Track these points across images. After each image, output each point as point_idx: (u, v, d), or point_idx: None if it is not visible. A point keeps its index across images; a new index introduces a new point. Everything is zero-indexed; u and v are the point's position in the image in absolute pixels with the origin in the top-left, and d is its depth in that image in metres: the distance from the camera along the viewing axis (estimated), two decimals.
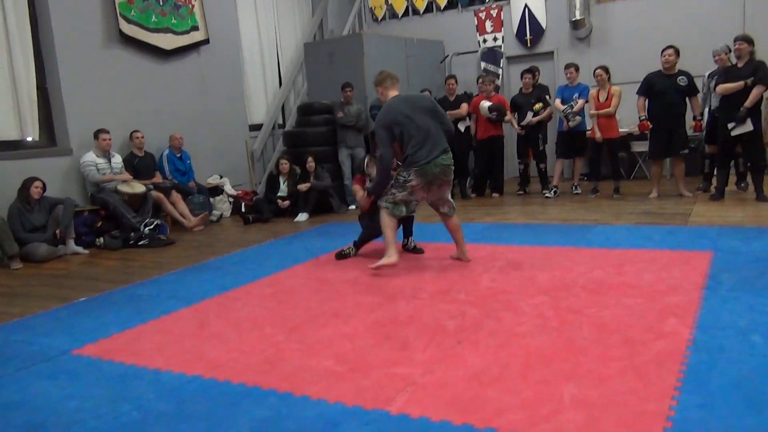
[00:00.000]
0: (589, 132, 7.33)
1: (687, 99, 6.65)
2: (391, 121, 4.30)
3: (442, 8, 10.25)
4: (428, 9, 10.34)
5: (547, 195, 7.57)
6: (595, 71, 7.13)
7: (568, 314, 3.22)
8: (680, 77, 6.54)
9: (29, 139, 6.53)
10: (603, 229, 5.43)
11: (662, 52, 6.63)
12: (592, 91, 7.20)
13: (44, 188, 6.01)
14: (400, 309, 3.53)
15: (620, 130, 7.44)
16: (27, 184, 5.89)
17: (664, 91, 6.54)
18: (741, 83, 5.98)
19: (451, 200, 4.54)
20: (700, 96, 6.79)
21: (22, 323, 3.82)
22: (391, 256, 4.32)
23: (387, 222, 4.39)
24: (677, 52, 6.55)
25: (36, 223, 5.93)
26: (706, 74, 7.02)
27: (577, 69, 7.54)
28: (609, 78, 7.08)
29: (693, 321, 2.98)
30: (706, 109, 6.95)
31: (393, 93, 4.48)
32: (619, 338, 2.83)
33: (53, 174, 6.51)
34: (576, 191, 7.59)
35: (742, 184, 6.82)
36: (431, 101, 4.56)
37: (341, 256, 4.98)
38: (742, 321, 2.94)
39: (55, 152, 6.72)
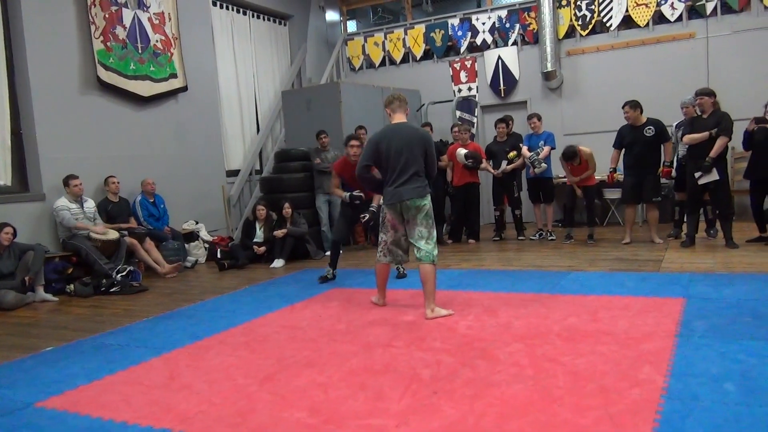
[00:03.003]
0: (566, 180, 7.48)
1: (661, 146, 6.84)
2: (376, 145, 4.41)
3: (418, 59, 10.50)
4: (405, 59, 10.60)
5: (531, 238, 7.76)
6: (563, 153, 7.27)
7: (543, 362, 3.21)
8: (647, 128, 6.74)
9: (1, 183, 6.44)
10: (577, 275, 5.48)
11: (622, 108, 6.88)
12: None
13: (15, 234, 5.90)
14: (375, 357, 3.49)
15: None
16: None
17: (634, 141, 6.79)
18: (706, 134, 6.17)
19: (428, 247, 4.29)
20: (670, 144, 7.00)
21: None
22: (380, 299, 4.74)
23: (379, 270, 4.64)
24: (634, 107, 6.77)
25: (4, 269, 5.79)
26: (674, 124, 7.24)
27: (539, 118, 7.81)
28: (578, 148, 7.21)
29: (667, 368, 2.99)
30: (675, 157, 7.14)
31: (398, 117, 4.50)
32: (594, 387, 2.82)
33: (25, 219, 6.40)
34: (551, 237, 7.68)
35: (712, 231, 6.96)
36: (425, 139, 4.42)
37: (324, 280, 5.67)
38: (714, 368, 2.96)
39: (28, 197, 6.63)
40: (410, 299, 4.90)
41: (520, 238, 7.89)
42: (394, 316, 4.43)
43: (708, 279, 4.95)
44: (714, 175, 6.18)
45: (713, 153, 6.13)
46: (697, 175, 6.26)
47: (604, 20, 9.11)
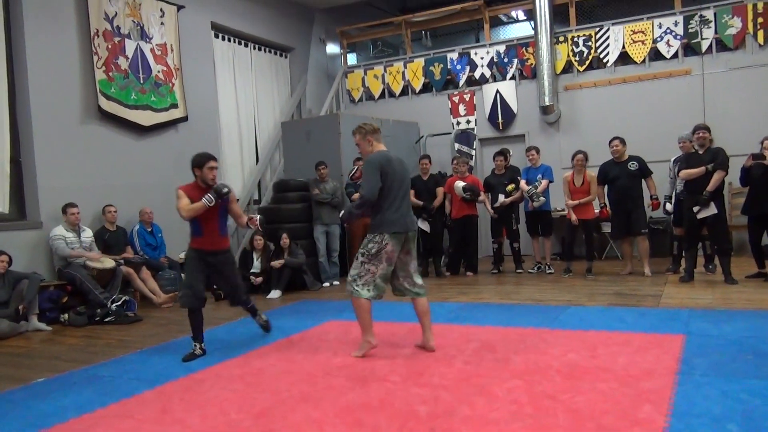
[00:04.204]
0: (566, 213, 7.49)
1: (644, 180, 7.06)
2: (384, 165, 4.10)
3: (417, 91, 10.61)
4: (404, 92, 10.70)
5: (530, 271, 7.75)
6: (575, 156, 7.33)
7: (542, 400, 3.16)
8: (631, 162, 7.01)
9: None
10: (576, 310, 5.44)
11: (610, 143, 7.13)
12: (567, 175, 7.40)
13: (10, 262, 5.86)
14: (371, 393, 3.44)
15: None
16: None
17: (618, 176, 7.03)
18: (702, 169, 6.21)
19: (421, 279, 4.34)
20: (667, 180, 7.08)
21: None
22: (370, 341, 4.21)
23: (364, 307, 4.12)
24: (623, 142, 7.11)
25: None
26: (672, 159, 7.28)
27: (537, 151, 7.93)
28: (586, 163, 7.31)
29: (668, 408, 2.94)
30: (673, 192, 7.17)
31: (381, 146, 4.30)
32: (593, 426, 2.77)
33: (21, 247, 6.37)
34: (549, 271, 7.65)
35: (710, 266, 6.95)
36: (409, 172, 4.44)
37: (191, 357, 4.42)
38: (716, 408, 2.91)
39: (24, 225, 6.61)
40: (407, 333, 4.85)
41: (518, 271, 7.86)
42: (391, 350, 4.38)
43: (708, 315, 4.91)
44: (712, 209, 6.19)
45: (710, 187, 6.16)
46: (695, 209, 6.27)
47: (601, 56, 9.23)
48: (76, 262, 6.45)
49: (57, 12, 6.96)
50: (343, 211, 4.52)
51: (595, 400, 3.12)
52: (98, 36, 7.29)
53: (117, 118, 7.52)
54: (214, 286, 7.33)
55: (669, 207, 7.23)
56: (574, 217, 7.23)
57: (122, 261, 6.88)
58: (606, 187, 7.22)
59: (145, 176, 7.88)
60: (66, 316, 6.14)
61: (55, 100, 6.87)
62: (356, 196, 7.86)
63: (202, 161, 4.58)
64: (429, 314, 4.32)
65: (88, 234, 6.76)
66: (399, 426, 2.90)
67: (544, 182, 7.59)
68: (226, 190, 4.49)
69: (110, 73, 7.41)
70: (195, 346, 4.52)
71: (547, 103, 9.25)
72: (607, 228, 8.49)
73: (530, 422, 2.86)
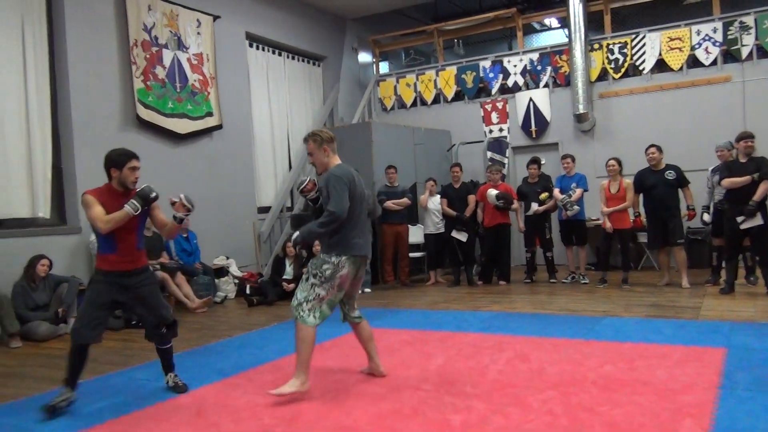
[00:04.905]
0: (601, 222, 7.38)
1: (680, 190, 6.91)
2: (351, 182, 3.69)
3: (449, 100, 10.58)
4: (436, 100, 10.68)
5: (564, 281, 7.67)
6: (607, 162, 7.24)
7: (578, 411, 3.10)
8: (668, 171, 6.86)
9: (40, 215, 6.60)
10: (612, 321, 5.34)
11: (646, 150, 7.00)
12: (603, 182, 7.29)
13: (51, 266, 6.01)
14: (404, 400, 3.42)
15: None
16: (33, 261, 5.90)
17: (655, 185, 6.89)
18: (748, 178, 6.04)
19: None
20: (705, 189, 6.91)
21: (15, 406, 3.71)
22: (305, 383, 3.56)
23: (308, 337, 3.58)
24: (660, 150, 6.97)
25: (39, 301, 5.89)
26: (710, 169, 7.11)
27: (573, 160, 7.80)
28: (621, 170, 7.18)
29: (710, 423, 2.86)
30: (711, 202, 7.01)
31: (337, 159, 3.86)
32: None
33: (61, 252, 6.52)
34: (584, 281, 7.53)
35: (752, 278, 6.75)
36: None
37: (51, 410, 3.44)
38: (761, 425, 2.82)
39: (65, 230, 6.77)
40: (439, 341, 4.83)
41: (551, 280, 7.75)
42: (423, 358, 4.36)
43: (750, 328, 4.77)
44: (758, 220, 6.02)
45: (757, 197, 5.98)
46: (739, 219, 6.10)
47: (637, 63, 9.10)
48: None
49: (97, 23, 7.15)
50: (297, 233, 3.76)
51: (633, 413, 3.04)
52: (137, 46, 7.45)
53: (154, 126, 7.67)
54: (247, 293, 7.45)
55: (707, 217, 7.05)
56: (608, 225, 7.10)
57: (158, 266, 6.99)
58: (641, 195, 7.09)
59: (181, 183, 7.97)
60: None
61: (95, 108, 7.04)
62: (389, 203, 7.87)
63: (121, 159, 3.72)
64: (373, 339, 3.98)
65: None
66: None
67: (579, 191, 7.49)
68: (154, 194, 3.73)
69: (148, 82, 7.57)
70: (63, 392, 3.52)
71: (582, 111, 9.14)
72: (643, 238, 8.34)
73: None
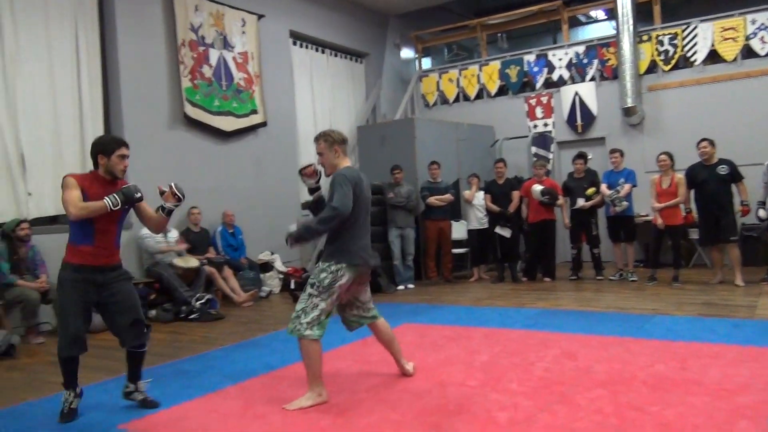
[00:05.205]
0: (651, 218, 7.19)
1: (734, 185, 6.67)
2: (357, 185, 3.55)
3: (493, 95, 10.48)
4: (479, 96, 10.58)
5: (611, 278, 7.50)
6: (658, 157, 7.03)
7: (628, 411, 3.04)
8: (721, 166, 6.62)
9: None
10: (663, 319, 5.20)
11: (698, 144, 6.75)
12: (654, 177, 7.08)
13: None
14: (449, 397, 3.41)
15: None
16: None
17: (707, 180, 6.66)
18: None
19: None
20: (761, 184, 6.66)
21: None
22: (321, 394, 3.44)
23: (314, 351, 3.45)
24: (712, 143, 6.71)
25: None
26: (765, 163, 6.85)
27: (622, 154, 7.59)
28: (672, 165, 6.97)
29: (767, 425, 2.76)
30: (767, 199, 6.75)
31: (347, 161, 3.73)
32: None
33: None
34: (632, 278, 7.36)
35: None
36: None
37: (66, 418, 3.37)
38: None
39: None
40: (483, 337, 4.79)
41: (598, 277, 7.60)
42: (468, 354, 4.33)
43: None
44: None
45: None
46: None
47: (688, 55, 8.82)
48: (164, 261, 6.76)
49: (147, 24, 7.34)
50: (295, 230, 3.70)
51: (686, 413, 2.96)
52: (184, 46, 7.62)
53: (201, 124, 7.83)
54: (292, 288, 7.53)
55: (762, 213, 6.79)
56: (660, 221, 6.91)
57: (206, 261, 7.15)
58: (693, 191, 6.87)
59: (227, 180, 8.16)
60: (153, 312, 6.44)
61: (144, 107, 7.23)
62: (432, 199, 7.85)
63: (110, 147, 3.46)
64: (395, 339, 3.89)
65: (173, 234, 7.07)
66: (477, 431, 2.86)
67: (627, 186, 7.29)
68: (139, 195, 3.46)
69: (195, 81, 7.73)
70: (68, 394, 3.43)
71: (630, 105, 8.91)
72: (694, 234, 8.09)
73: None
